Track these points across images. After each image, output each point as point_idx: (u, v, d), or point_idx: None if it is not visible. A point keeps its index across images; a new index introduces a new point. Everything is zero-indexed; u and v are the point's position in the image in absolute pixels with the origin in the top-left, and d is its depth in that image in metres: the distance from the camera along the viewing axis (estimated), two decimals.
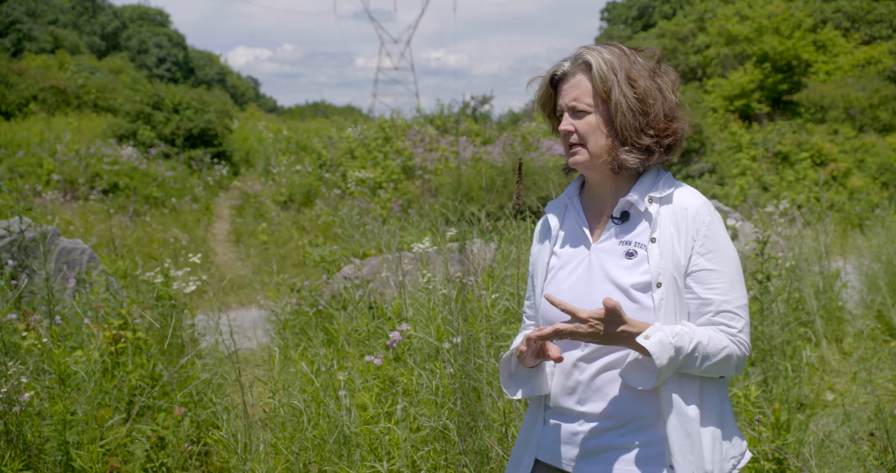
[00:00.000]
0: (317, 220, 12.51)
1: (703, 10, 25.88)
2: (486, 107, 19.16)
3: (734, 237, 6.52)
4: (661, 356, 1.76)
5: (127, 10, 55.15)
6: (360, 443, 3.38)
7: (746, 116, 22.02)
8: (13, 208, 5.37)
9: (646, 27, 37.09)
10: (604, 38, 39.94)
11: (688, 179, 17.57)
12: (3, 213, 6.61)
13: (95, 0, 52.02)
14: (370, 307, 5.04)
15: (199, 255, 5.44)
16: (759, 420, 3.73)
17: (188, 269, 5.20)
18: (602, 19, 45.75)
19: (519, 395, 2.02)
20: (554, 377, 2.01)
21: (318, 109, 38.42)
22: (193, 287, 4.86)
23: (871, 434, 4.34)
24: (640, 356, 1.82)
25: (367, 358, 3.64)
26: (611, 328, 1.78)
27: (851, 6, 25.29)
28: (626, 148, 1.91)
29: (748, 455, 2.00)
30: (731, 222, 6.39)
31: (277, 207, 14.03)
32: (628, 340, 1.79)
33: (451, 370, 3.50)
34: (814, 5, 25.57)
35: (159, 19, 56.81)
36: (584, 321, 1.79)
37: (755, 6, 24.04)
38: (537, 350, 1.93)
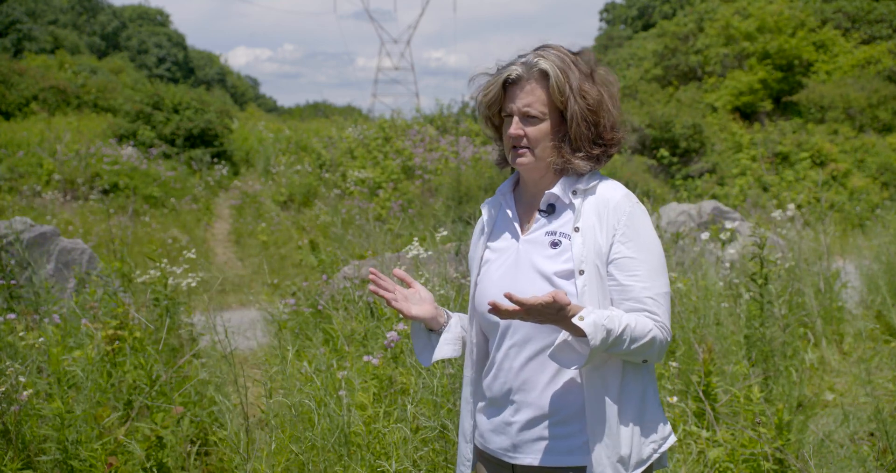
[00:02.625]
0: (316, 220, 12.51)
1: (704, 10, 25.87)
2: None
3: (732, 238, 6.52)
4: (595, 337, 1.81)
5: (127, 10, 55.13)
6: (360, 443, 3.37)
7: (746, 116, 22.01)
8: (13, 207, 5.37)
9: (646, 27, 37.08)
10: (604, 39, 39.93)
11: (688, 179, 17.57)
12: (4, 213, 6.61)
13: (94, 0, 52.00)
14: (368, 307, 5.04)
15: (194, 250, 5.45)
16: (759, 422, 3.73)
17: (186, 266, 5.20)
18: (601, 20, 45.75)
19: (432, 359, 2.15)
20: (489, 369, 2.09)
21: (318, 109, 38.42)
22: (194, 283, 4.86)
23: (871, 435, 4.34)
24: (570, 338, 1.87)
25: (366, 358, 3.64)
26: (550, 314, 1.83)
27: (852, 6, 25.27)
28: (581, 155, 2.01)
29: (671, 440, 2.08)
30: (730, 223, 6.39)
31: (277, 207, 14.03)
32: (565, 321, 1.83)
33: (451, 370, 3.50)
34: (814, 5, 25.56)
35: (159, 19, 56.81)
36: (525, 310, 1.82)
37: (756, 4, 24.03)
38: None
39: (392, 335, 3.70)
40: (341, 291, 5.51)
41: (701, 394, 3.92)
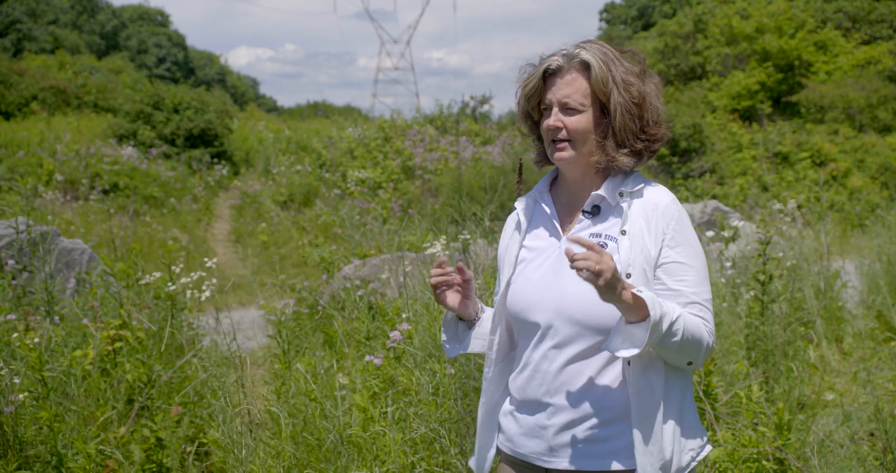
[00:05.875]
0: (317, 220, 12.51)
1: (702, 12, 25.85)
2: (486, 107, 19.12)
3: (735, 237, 6.53)
4: (655, 309, 1.76)
5: (127, 10, 55.15)
6: (358, 444, 3.37)
7: (747, 117, 22.01)
8: (15, 208, 5.37)
9: (646, 27, 37.08)
10: (604, 39, 39.87)
11: (688, 178, 17.57)
12: (4, 213, 6.61)
13: (94, 0, 51.99)
14: (370, 308, 5.04)
15: (215, 259, 5.41)
16: (757, 422, 3.73)
17: (202, 273, 5.14)
18: (601, 20, 45.75)
19: (461, 350, 2.13)
20: (521, 371, 2.03)
21: (318, 109, 38.41)
22: (208, 293, 4.84)
23: (871, 434, 4.34)
24: (622, 326, 1.82)
25: (368, 358, 3.63)
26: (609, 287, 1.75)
27: (852, 6, 25.26)
28: (625, 151, 1.96)
29: (707, 448, 2.04)
30: (733, 222, 6.40)
31: (277, 207, 14.03)
32: (624, 293, 1.76)
33: (452, 370, 3.50)
34: (815, 5, 25.54)
35: (159, 19, 56.82)
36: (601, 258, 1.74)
37: (757, 5, 24.01)
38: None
39: (395, 334, 3.70)
40: (342, 290, 5.51)
41: (701, 394, 3.92)
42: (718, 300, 5.53)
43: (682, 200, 14.61)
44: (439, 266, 2.06)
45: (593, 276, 1.72)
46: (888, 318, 6.39)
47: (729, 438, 3.61)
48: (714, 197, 15.82)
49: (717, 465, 3.50)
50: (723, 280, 5.93)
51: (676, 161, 18.09)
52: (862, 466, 3.63)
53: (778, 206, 6.80)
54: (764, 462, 3.50)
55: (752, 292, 5.24)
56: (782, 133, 18.93)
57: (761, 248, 5.09)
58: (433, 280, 2.06)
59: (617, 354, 1.83)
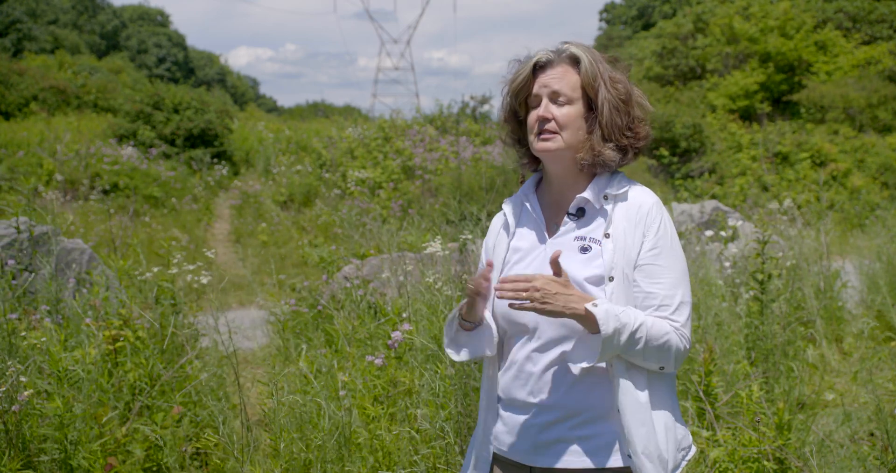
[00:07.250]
0: (317, 220, 12.51)
1: (701, 12, 25.84)
2: (486, 107, 19.11)
3: (734, 237, 6.53)
4: (607, 324, 1.80)
5: (127, 10, 55.15)
6: (360, 444, 3.37)
7: (747, 117, 22.01)
8: (17, 207, 5.38)
9: (646, 27, 37.09)
10: (603, 39, 39.92)
11: (688, 178, 17.57)
12: (4, 213, 6.61)
13: (94, 0, 52.00)
14: (370, 308, 5.04)
15: (214, 250, 5.44)
16: (759, 421, 3.73)
17: (200, 263, 5.17)
18: (601, 20, 45.76)
19: (463, 356, 2.10)
20: (507, 370, 2.05)
21: (318, 109, 38.42)
22: (206, 280, 4.87)
23: (872, 434, 4.34)
24: (584, 335, 1.87)
25: (369, 358, 3.63)
26: (563, 291, 1.82)
27: (853, 6, 25.26)
28: (611, 145, 1.99)
29: (693, 449, 2.06)
30: (731, 221, 6.40)
31: (277, 207, 14.03)
32: (577, 308, 1.82)
33: (452, 370, 3.50)
34: (815, 5, 25.54)
35: (159, 19, 56.83)
36: (536, 289, 1.82)
37: (758, 5, 24.01)
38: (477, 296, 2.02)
39: (396, 335, 3.70)
40: (343, 290, 5.51)
41: (701, 394, 3.92)
42: (718, 299, 5.53)
43: (682, 200, 14.61)
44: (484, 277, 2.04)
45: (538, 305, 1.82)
46: (888, 318, 6.39)
47: (729, 438, 3.62)
48: (714, 197, 15.82)
49: (718, 465, 3.50)
50: (720, 282, 5.93)
51: (676, 161, 18.09)
52: (862, 466, 3.63)
53: (774, 205, 6.81)
54: (764, 462, 3.51)
55: (751, 292, 5.24)
56: (782, 133, 18.93)
57: (759, 247, 5.09)
58: (473, 287, 2.03)
59: (574, 365, 1.87)
